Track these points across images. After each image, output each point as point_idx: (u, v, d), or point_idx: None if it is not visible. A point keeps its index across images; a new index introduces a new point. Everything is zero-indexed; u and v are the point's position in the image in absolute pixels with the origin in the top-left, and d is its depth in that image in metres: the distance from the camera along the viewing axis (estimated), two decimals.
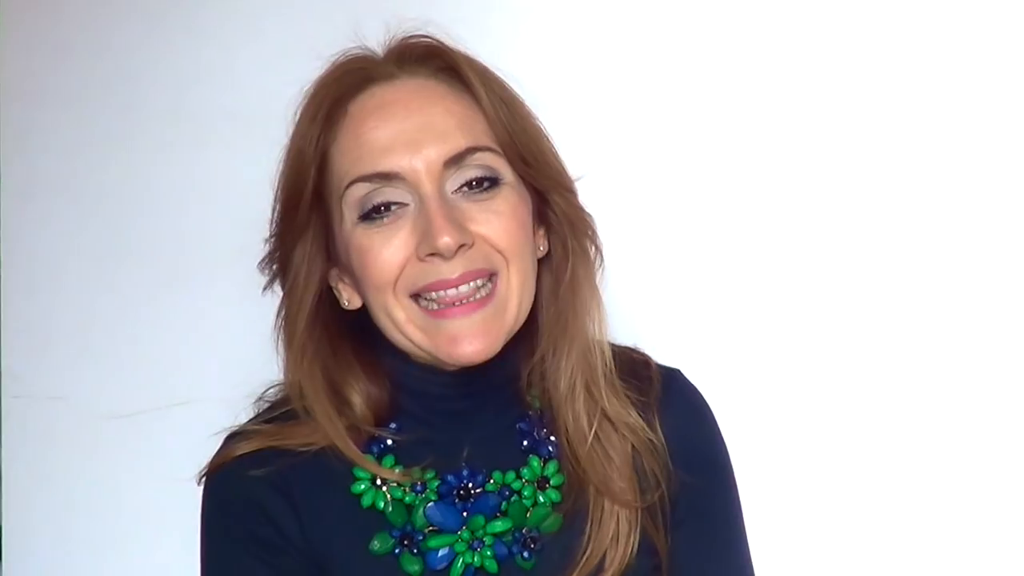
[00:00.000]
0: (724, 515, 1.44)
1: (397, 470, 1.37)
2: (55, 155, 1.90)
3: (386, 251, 1.32)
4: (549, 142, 1.40)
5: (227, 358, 1.86)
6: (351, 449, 1.36)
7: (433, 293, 1.32)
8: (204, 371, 1.87)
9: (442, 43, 1.38)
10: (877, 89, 1.68)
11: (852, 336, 1.69)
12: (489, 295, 1.33)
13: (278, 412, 1.40)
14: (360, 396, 1.39)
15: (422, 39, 1.38)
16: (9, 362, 1.91)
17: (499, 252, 1.32)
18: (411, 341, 1.34)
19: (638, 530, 1.37)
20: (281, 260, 1.41)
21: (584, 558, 1.36)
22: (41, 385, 1.90)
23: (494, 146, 1.34)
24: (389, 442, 1.39)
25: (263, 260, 1.43)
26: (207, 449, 1.84)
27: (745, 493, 1.47)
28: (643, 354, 1.47)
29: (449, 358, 1.32)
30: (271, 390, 1.45)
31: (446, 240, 1.28)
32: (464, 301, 1.32)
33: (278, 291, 1.77)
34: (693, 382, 1.49)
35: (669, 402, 1.43)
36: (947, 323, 1.67)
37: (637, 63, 1.73)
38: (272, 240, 1.41)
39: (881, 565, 1.69)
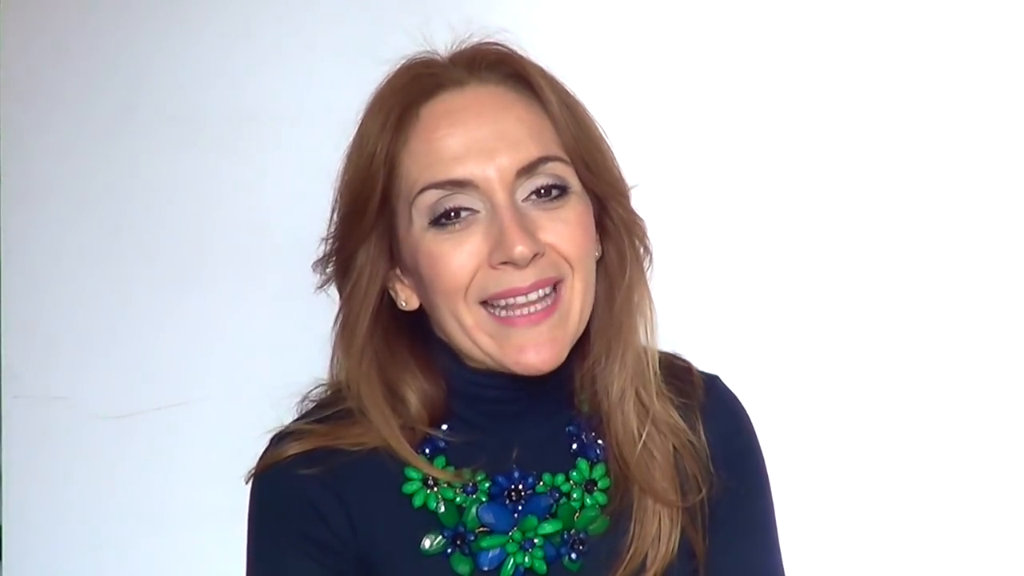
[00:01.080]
0: (759, 521, 1.45)
1: (449, 471, 1.38)
2: (55, 155, 1.90)
3: (457, 257, 1.31)
4: (610, 149, 1.40)
5: (227, 358, 1.88)
6: (404, 448, 1.36)
7: (503, 300, 1.31)
8: (204, 371, 1.88)
9: (511, 50, 1.37)
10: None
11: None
12: (554, 303, 1.32)
13: (329, 412, 1.39)
14: (416, 395, 1.38)
15: (492, 46, 1.37)
16: (9, 362, 1.90)
17: (566, 260, 1.32)
18: (478, 347, 1.33)
19: (678, 530, 1.38)
20: (342, 261, 1.39)
21: (628, 557, 1.36)
22: (41, 385, 1.90)
23: (563, 155, 1.34)
24: (441, 444, 1.39)
25: (319, 261, 1.41)
26: (207, 449, 1.87)
27: (779, 499, 1.48)
28: (686, 361, 1.47)
29: (516, 366, 1.32)
30: (316, 390, 1.44)
31: (521, 250, 1.28)
32: (531, 310, 1.31)
33: (280, 293, 1.81)
34: (731, 389, 1.50)
35: (711, 408, 1.44)
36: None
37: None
38: (332, 242, 1.39)
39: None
